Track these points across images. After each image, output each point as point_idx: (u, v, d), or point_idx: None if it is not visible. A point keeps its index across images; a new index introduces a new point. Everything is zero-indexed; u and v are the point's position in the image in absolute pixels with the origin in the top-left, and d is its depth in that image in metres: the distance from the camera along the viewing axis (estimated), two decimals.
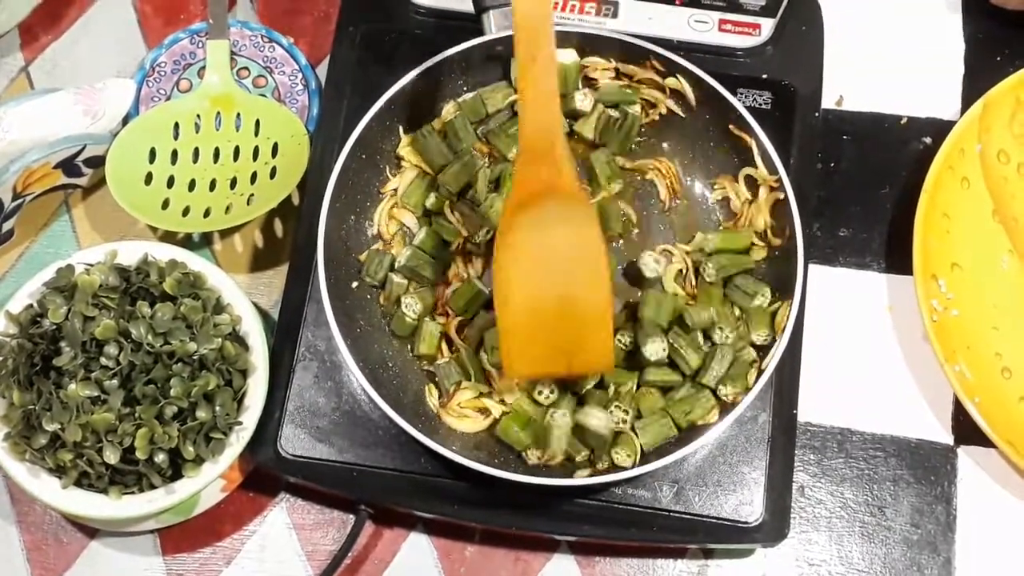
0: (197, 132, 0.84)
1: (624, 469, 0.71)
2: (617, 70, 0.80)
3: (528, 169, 0.67)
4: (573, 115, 0.80)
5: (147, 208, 0.80)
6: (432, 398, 0.75)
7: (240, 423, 0.72)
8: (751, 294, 0.76)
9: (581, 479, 0.71)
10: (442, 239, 0.78)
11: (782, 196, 0.75)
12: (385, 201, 0.79)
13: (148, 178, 0.82)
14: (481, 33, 0.79)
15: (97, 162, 0.82)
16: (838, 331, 0.81)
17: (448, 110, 0.81)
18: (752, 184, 0.78)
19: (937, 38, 0.89)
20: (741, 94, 0.80)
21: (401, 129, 0.80)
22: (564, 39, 0.79)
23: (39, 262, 0.75)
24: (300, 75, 0.87)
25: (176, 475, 0.71)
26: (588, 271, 0.66)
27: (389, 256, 0.78)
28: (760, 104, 0.81)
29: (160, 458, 0.70)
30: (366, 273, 0.77)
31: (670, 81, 0.79)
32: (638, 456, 0.72)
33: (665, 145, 0.81)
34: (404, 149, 0.80)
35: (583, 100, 0.80)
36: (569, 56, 0.79)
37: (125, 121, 0.84)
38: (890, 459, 0.79)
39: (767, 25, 0.84)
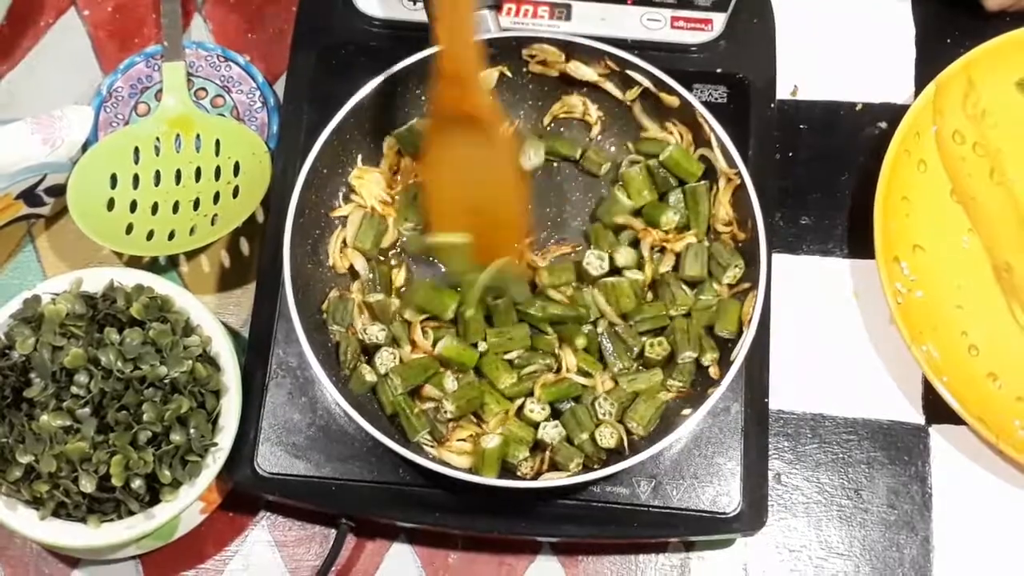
0: (157, 155, 0.84)
1: (611, 450, 0.73)
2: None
3: (444, 91, 0.72)
4: None
5: (111, 234, 0.80)
6: (424, 437, 0.75)
7: (215, 444, 0.72)
8: (724, 265, 0.76)
9: (558, 479, 0.71)
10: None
11: (739, 183, 0.76)
12: (337, 231, 0.79)
13: (111, 204, 0.82)
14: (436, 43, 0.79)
15: (58, 191, 0.82)
16: (805, 318, 0.82)
17: (388, 145, 0.81)
18: (712, 173, 0.79)
19: (887, 23, 0.90)
20: (696, 89, 0.81)
21: (360, 158, 0.80)
22: (518, 44, 0.80)
23: (5, 294, 0.75)
24: (258, 93, 0.87)
25: (154, 500, 0.71)
26: (497, 183, 0.73)
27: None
28: (716, 98, 0.82)
29: (137, 484, 0.70)
30: (331, 320, 0.77)
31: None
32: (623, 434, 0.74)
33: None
34: (357, 179, 0.80)
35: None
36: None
37: (85, 148, 0.84)
38: (863, 442, 0.79)
39: (719, 20, 0.84)
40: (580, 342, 0.76)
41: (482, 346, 0.76)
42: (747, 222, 0.76)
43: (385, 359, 0.75)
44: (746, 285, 0.76)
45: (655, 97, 0.79)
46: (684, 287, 0.77)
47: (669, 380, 0.75)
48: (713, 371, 0.75)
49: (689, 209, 0.79)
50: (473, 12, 0.71)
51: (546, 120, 0.83)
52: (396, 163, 0.81)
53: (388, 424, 0.74)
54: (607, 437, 0.74)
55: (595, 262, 0.78)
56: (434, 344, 0.76)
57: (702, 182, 0.79)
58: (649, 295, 0.78)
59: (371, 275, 0.78)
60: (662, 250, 0.79)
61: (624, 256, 0.78)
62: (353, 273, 0.79)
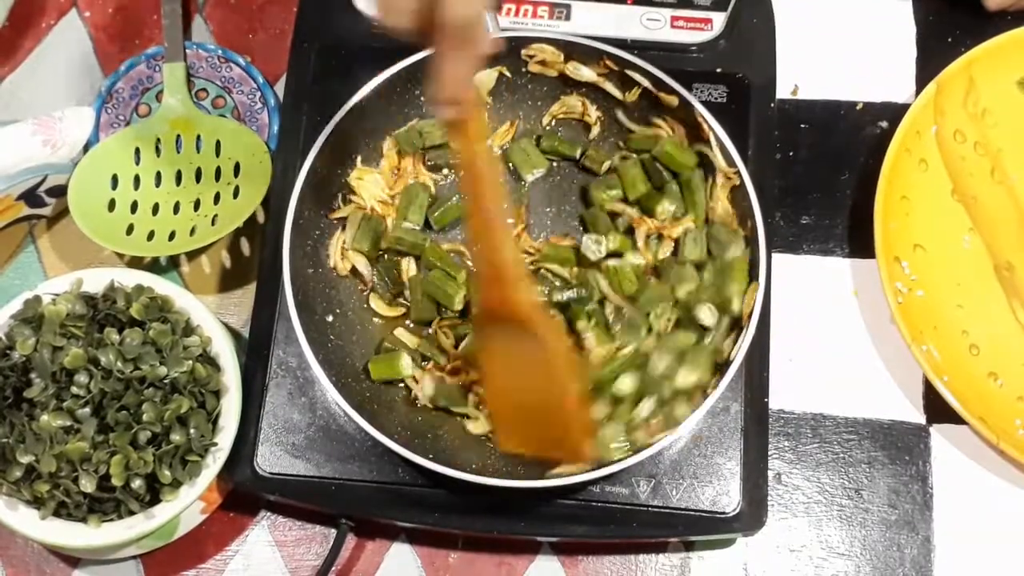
0: (158, 156, 0.85)
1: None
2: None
3: (486, 291, 0.69)
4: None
5: (111, 235, 0.80)
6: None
7: (215, 444, 0.72)
8: (725, 243, 0.76)
9: (559, 479, 0.71)
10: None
11: (738, 183, 0.76)
12: (337, 234, 0.79)
13: (111, 204, 0.82)
14: None
15: (59, 192, 0.82)
16: (806, 317, 0.82)
17: (388, 145, 0.81)
18: (708, 167, 0.79)
19: (888, 22, 0.90)
20: (696, 89, 0.81)
21: (359, 159, 0.80)
22: (517, 44, 0.80)
23: (7, 294, 0.75)
24: (259, 93, 0.88)
25: (154, 500, 0.71)
26: (553, 380, 0.69)
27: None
28: (715, 98, 0.82)
29: (137, 484, 0.70)
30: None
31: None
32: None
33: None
34: (356, 180, 0.80)
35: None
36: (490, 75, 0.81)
37: (86, 149, 0.84)
38: (864, 441, 0.79)
39: (719, 19, 0.84)
40: (584, 323, 0.76)
41: None
42: (747, 222, 0.76)
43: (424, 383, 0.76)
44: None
45: (655, 97, 0.79)
46: (688, 267, 0.77)
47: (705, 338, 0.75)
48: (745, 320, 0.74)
49: (685, 199, 0.79)
50: (509, 228, 0.71)
51: (545, 120, 0.83)
52: (397, 163, 0.81)
53: (388, 424, 0.74)
54: (688, 374, 0.73)
55: (592, 246, 0.78)
56: (456, 344, 0.77)
57: (697, 172, 0.79)
58: (652, 280, 0.78)
59: (375, 275, 0.78)
60: (659, 238, 0.79)
61: (620, 241, 0.78)
62: (356, 274, 0.79)
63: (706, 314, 0.75)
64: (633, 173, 0.80)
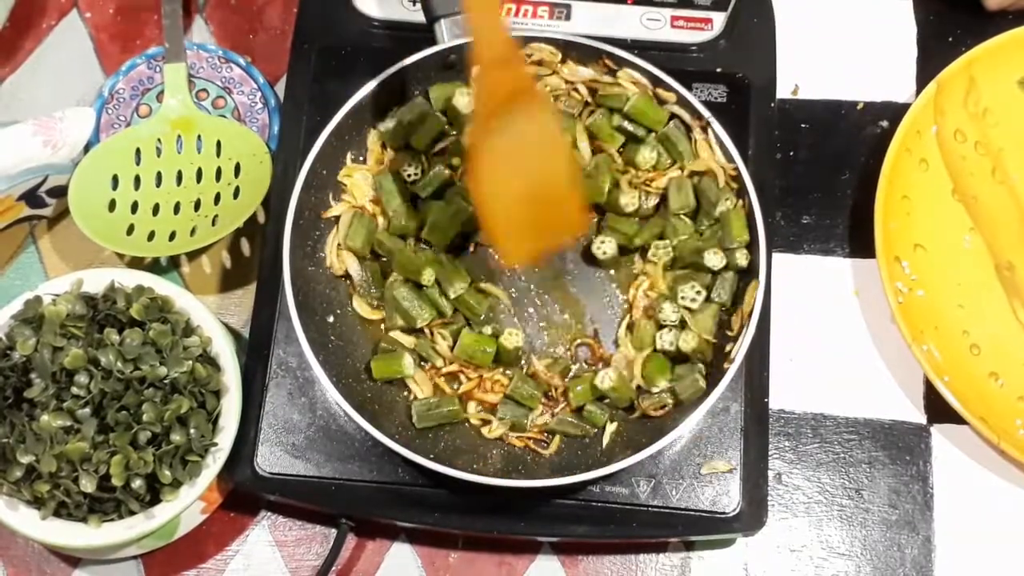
0: (159, 156, 0.85)
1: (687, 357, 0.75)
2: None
3: (488, 77, 0.70)
4: None
5: (112, 235, 0.80)
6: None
7: (215, 444, 0.72)
8: (715, 200, 0.77)
9: (559, 479, 0.71)
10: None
11: (738, 185, 0.76)
12: (332, 233, 0.79)
13: (112, 205, 0.82)
14: (435, 43, 0.79)
15: (60, 192, 0.82)
16: (806, 317, 0.82)
17: (372, 139, 0.81)
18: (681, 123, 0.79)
19: (889, 22, 0.90)
20: (696, 89, 0.81)
21: (349, 156, 0.80)
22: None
23: (8, 294, 0.75)
24: (259, 94, 0.88)
25: (155, 500, 0.71)
26: (554, 153, 0.70)
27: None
28: (716, 98, 0.82)
29: (137, 484, 0.70)
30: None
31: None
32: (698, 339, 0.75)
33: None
34: (346, 177, 0.80)
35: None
36: None
37: (86, 150, 0.84)
38: (864, 441, 0.79)
39: (719, 19, 0.84)
40: None
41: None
42: (747, 222, 0.76)
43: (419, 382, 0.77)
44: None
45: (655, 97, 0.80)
46: (681, 216, 0.77)
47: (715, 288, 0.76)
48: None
49: (668, 150, 0.79)
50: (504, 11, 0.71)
51: None
52: (381, 157, 0.81)
53: (389, 424, 0.74)
54: (689, 341, 0.75)
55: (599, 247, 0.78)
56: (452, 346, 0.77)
57: (671, 125, 0.79)
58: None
59: (364, 276, 0.78)
60: (646, 194, 0.79)
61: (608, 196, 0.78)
62: (348, 277, 0.79)
63: (713, 259, 0.76)
64: (607, 126, 0.79)
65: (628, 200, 0.78)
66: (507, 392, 0.76)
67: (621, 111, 0.79)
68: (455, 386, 0.77)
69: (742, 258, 0.76)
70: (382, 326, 0.78)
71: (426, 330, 0.77)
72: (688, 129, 0.79)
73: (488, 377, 0.77)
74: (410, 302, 0.76)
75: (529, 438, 0.75)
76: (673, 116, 0.79)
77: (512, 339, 0.76)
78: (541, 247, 0.74)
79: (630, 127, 0.79)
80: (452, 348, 0.77)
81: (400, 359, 0.76)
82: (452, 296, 0.77)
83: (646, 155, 0.78)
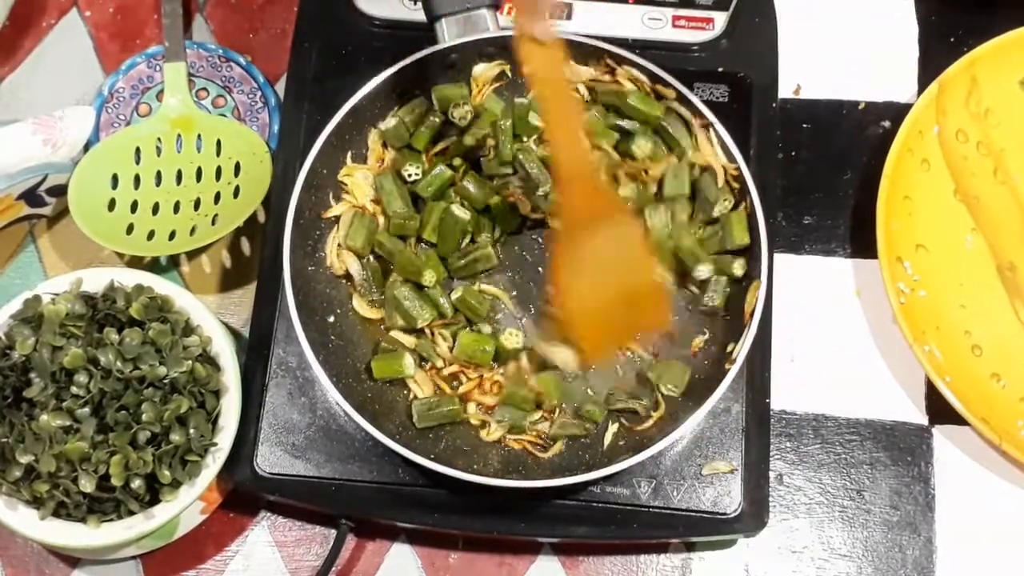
0: (159, 155, 0.84)
1: (675, 398, 0.75)
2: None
3: (569, 197, 0.70)
4: None
5: (111, 234, 0.80)
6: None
7: (215, 444, 0.72)
8: (713, 200, 0.77)
9: (559, 480, 0.71)
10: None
11: (739, 185, 0.76)
12: (332, 232, 0.79)
13: (111, 204, 0.82)
14: (435, 42, 0.79)
15: (60, 191, 0.82)
16: (807, 318, 0.82)
17: (373, 139, 0.80)
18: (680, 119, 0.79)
19: (890, 21, 0.90)
20: (698, 88, 0.81)
21: (349, 155, 0.80)
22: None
23: (7, 294, 0.75)
24: (259, 93, 0.87)
25: (154, 500, 0.71)
26: (637, 260, 0.71)
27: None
28: (717, 98, 0.81)
29: (136, 484, 0.70)
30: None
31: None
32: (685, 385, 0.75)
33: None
34: (346, 177, 0.80)
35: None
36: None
37: (86, 148, 0.84)
38: (866, 442, 0.79)
39: (720, 19, 0.84)
40: None
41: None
42: (749, 222, 0.76)
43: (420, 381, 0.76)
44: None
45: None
46: (667, 204, 0.77)
47: (701, 301, 0.77)
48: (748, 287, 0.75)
49: (665, 140, 0.79)
50: (583, 117, 0.73)
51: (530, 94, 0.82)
52: (382, 157, 0.81)
53: (389, 424, 0.74)
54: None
55: None
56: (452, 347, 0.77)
57: (670, 118, 0.79)
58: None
59: (365, 276, 0.78)
60: (643, 184, 0.79)
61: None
62: (349, 277, 0.79)
63: (702, 270, 0.76)
64: (600, 125, 0.79)
65: (627, 192, 0.78)
66: (501, 399, 0.75)
67: (617, 108, 0.79)
68: (455, 385, 0.77)
69: (738, 267, 0.76)
70: (382, 326, 0.78)
71: (426, 330, 0.77)
72: (687, 123, 0.79)
73: (488, 377, 0.76)
74: (411, 302, 0.76)
75: (528, 441, 0.75)
76: (671, 111, 0.79)
77: (512, 339, 0.76)
78: (621, 344, 0.76)
79: (626, 124, 0.79)
80: (452, 349, 0.77)
81: (401, 359, 0.76)
82: (454, 296, 0.77)
83: (642, 144, 0.78)
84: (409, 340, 0.77)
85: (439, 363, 0.77)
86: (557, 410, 0.76)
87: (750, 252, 0.76)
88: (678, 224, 0.77)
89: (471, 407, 0.76)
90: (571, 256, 0.70)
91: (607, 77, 0.80)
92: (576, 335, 0.71)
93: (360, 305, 0.78)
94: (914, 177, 0.82)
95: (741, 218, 0.76)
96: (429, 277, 0.76)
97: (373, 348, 0.77)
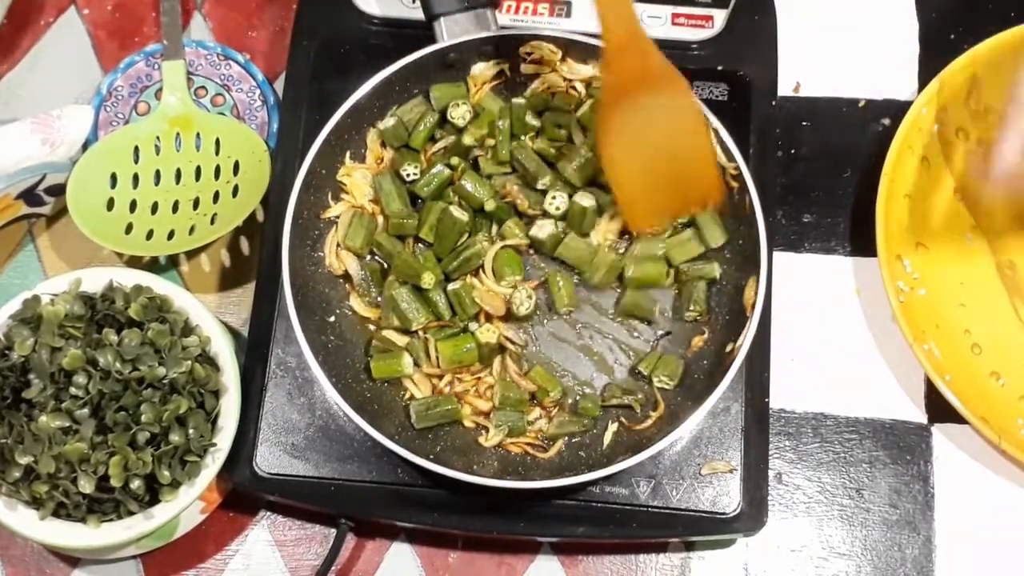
0: (157, 154, 0.84)
1: (666, 390, 0.75)
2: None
3: (615, 62, 0.70)
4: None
5: (110, 234, 0.80)
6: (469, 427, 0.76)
7: (214, 444, 0.72)
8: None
9: (559, 480, 0.71)
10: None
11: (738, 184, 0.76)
12: (332, 232, 0.79)
13: (110, 203, 0.82)
14: (433, 41, 0.79)
15: (58, 190, 0.82)
16: (807, 316, 0.82)
17: (371, 138, 0.80)
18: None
19: (891, 19, 0.90)
20: (697, 87, 0.81)
21: (348, 154, 0.80)
22: (516, 42, 0.80)
23: (6, 293, 0.75)
24: (258, 91, 0.87)
25: (154, 500, 0.71)
26: (687, 127, 0.71)
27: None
28: (717, 96, 0.81)
29: (136, 484, 0.70)
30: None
31: None
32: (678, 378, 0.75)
33: None
34: (345, 176, 0.79)
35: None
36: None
37: (84, 147, 0.84)
38: (865, 441, 0.79)
39: (719, 16, 0.84)
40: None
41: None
42: (748, 220, 0.75)
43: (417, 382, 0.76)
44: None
45: None
46: None
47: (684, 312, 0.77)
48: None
49: None
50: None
51: (527, 93, 0.82)
52: (380, 156, 0.81)
53: (388, 424, 0.74)
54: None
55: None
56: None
57: None
58: None
59: (364, 275, 0.78)
60: None
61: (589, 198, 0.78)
62: (347, 277, 0.79)
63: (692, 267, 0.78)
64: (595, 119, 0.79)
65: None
66: (495, 404, 0.75)
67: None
68: (451, 384, 0.77)
69: (714, 270, 0.76)
70: (372, 326, 0.78)
71: (420, 332, 0.77)
72: None
73: (484, 380, 0.76)
74: (408, 303, 0.76)
75: (527, 443, 0.75)
76: None
77: (487, 334, 0.76)
78: (672, 214, 0.76)
79: None
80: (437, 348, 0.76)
81: (400, 358, 0.76)
82: (450, 288, 0.77)
83: None
84: (401, 340, 0.77)
85: (428, 367, 0.76)
86: (557, 406, 0.76)
87: (750, 252, 0.76)
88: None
89: (467, 409, 0.76)
90: (619, 121, 0.70)
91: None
92: (625, 201, 0.72)
93: (358, 304, 0.78)
94: (914, 175, 0.82)
95: (715, 219, 0.77)
96: (428, 279, 0.76)
97: (365, 347, 0.77)
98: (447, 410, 0.75)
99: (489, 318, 0.77)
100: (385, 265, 0.79)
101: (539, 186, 0.78)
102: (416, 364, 0.76)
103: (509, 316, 0.77)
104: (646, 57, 0.70)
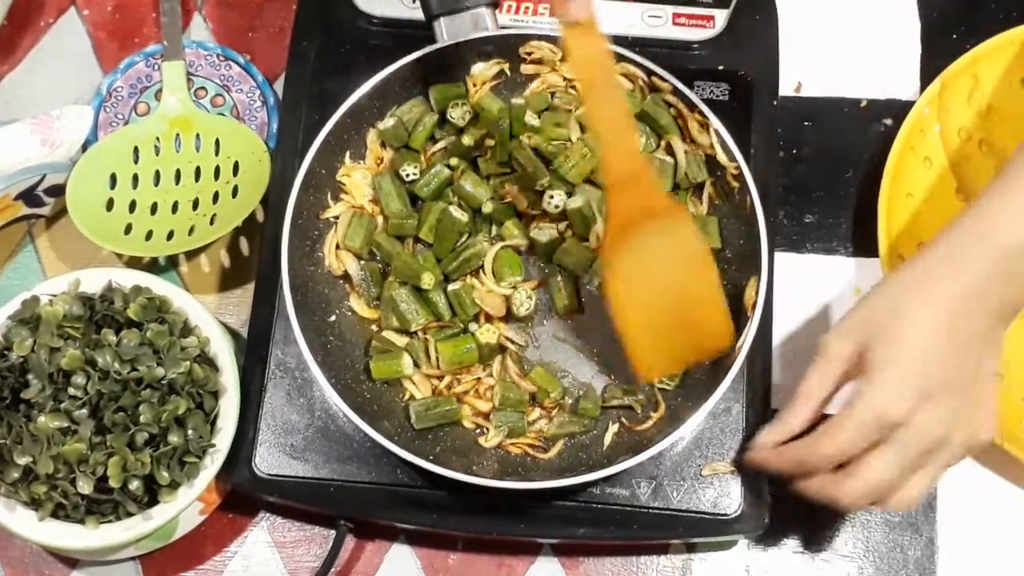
0: (157, 155, 0.84)
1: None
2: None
3: (619, 198, 0.69)
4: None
5: (110, 234, 0.80)
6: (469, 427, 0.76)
7: (213, 445, 0.72)
8: (692, 180, 0.78)
9: (559, 481, 0.71)
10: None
11: (739, 184, 0.76)
12: (331, 233, 0.79)
13: (110, 204, 0.82)
14: (433, 41, 0.79)
15: (58, 191, 0.82)
16: (809, 317, 0.81)
17: (371, 138, 0.80)
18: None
19: (892, 19, 0.90)
20: (698, 87, 0.81)
21: (348, 154, 0.79)
22: (515, 42, 0.80)
23: (6, 294, 0.75)
24: (258, 92, 0.87)
25: (152, 501, 0.71)
26: (694, 268, 0.70)
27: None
28: (718, 96, 0.81)
29: (134, 485, 0.69)
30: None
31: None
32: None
33: None
34: (345, 177, 0.79)
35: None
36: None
37: (84, 148, 0.84)
38: None
39: (720, 16, 0.84)
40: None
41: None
42: (749, 220, 0.75)
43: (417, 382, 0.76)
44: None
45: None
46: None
47: None
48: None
49: (650, 126, 0.79)
50: (631, 114, 0.71)
51: (527, 93, 0.82)
52: (380, 156, 0.80)
53: (388, 425, 0.74)
54: None
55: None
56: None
57: (649, 99, 0.79)
58: None
59: (363, 275, 0.78)
60: None
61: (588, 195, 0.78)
62: (347, 277, 0.78)
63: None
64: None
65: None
66: (495, 404, 0.75)
67: None
68: (451, 385, 0.76)
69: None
70: (374, 326, 0.78)
71: (420, 333, 0.77)
72: (669, 105, 0.78)
73: (484, 381, 0.76)
74: (407, 304, 0.76)
75: (527, 444, 0.75)
76: (654, 89, 0.79)
77: (487, 334, 0.76)
78: (682, 363, 0.73)
79: None
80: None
81: (400, 359, 0.75)
82: (450, 288, 0.76)
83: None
84: (401, 340, 0.77)
85: (428, 368, 0.76)
86: (557, 407, 0.75)
87: (751, 252, 0.75)
88: None
89: (467, 410, 0.75)
90: (624, 259, 0.68)
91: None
92: (634, 348, 0.70)
93: (357, 304, 0.78)
94: (916, 175, 0.82)
95: (713, 221, 0.77)
96: (428, 280, 0.76)
97: (365, 347, 0.77)
98: (447, 410, 0.75)
99: (489, 319, 0.77)
100: (385, 266, 0.78)
101: (537, 187, 0.78)
102: (416, 365, 0.76)
103: (509, 316, 0.77)
104: (648, 186, 0.68)
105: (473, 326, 0.76)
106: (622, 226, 0.68)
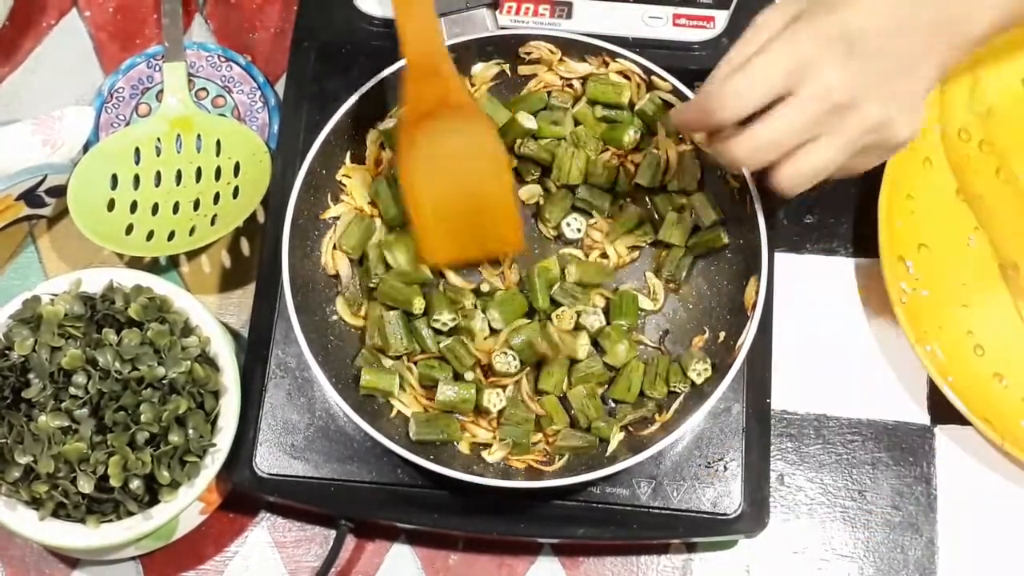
0: (158, 156, 0.84)
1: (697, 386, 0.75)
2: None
3: (416, 87, 0.70)
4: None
5: (111, 235, 0.80)
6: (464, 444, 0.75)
7: (214, 445, 0.72)
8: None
9: (559, 480, 0.71)
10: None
11: (739, 184, 0.76)
12: (329, 233, 0.78)
13: (111, 204, 0.82)
14: None
15: (59, 192, 0.82)
16: (809, 317, 0.82)
17: (371, 139, 0.80)
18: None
19: None
20: (698, 88, 0.80)
21: (348, 155, 0.79)
22: (515, 42, 0.80)
23: (7, 294, 0.75)
24: (259, 93, 0.87)
25: (153, 500, 0.71)
26: (487, 169, 0.71)
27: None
28: None
29: (135, 484, 0.69)
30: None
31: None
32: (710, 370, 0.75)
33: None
34: (345, 177, 0.79)
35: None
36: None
37: (86, 149, 0.84)
38: (867, 442, 0.79)
39: (721, 17, 0.84)
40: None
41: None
42: (749, 220, 0.75)
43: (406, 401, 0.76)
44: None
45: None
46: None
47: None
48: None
49: (646, 124, 0.79)
50: (436, 17, 0.72)
51: (523, 93, 0.82)
52: (379, 156, 0.80)
53: (388, 425, 0.74)
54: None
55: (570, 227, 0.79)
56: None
57: (647, 98, 0.79)
58: None
59: (352, 279, 0.78)
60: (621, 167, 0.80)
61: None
62: (339, 278, 0.78)
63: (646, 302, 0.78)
64: (591, 117, 0.80)
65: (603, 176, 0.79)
66: (501, 420, 0.74)
67: (602, 103, 0.80)
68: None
69: (721, 237, 0.77)
70: (366, 337, 0.77)
71: (404, 359, 0.76)
72: (668, 105, 0.79)
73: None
74: (392, 326, 0.75)
75: (532, 460, 0.74)
76: (651, 88, 0.79)
77: (493, 399, 0.74)
78: (467, 255, 0.74)
79: (612, 114, 0.80)
80: (420, 382, 0.76)
81: (392, 377, 0.74)
82: (442, 344, 0.75)
83: (631, 135, 0.79)
84: (386, 361, 0.76)
85: (412, 392, 0.75)
86: (557, 435, 0.75)
87: (751, 252, 0.75)
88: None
89: (466, 435, 0.75)
90: (418, 144, 0.69)
91: (601, 71, 0.80)
92: (420, 229, 0.71)
93: (343, 309, 0.77)
94: (916, 176, 0.82)
95: (707, 196, 0.77)
96: (419, 305, 0.75)
97: (354, 355, 0.76)
98: (444, 426, 0.74)
99: (486, 372, 0.76)
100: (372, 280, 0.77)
101: (523, 197, 0.78)
102: (402, 387, 0.75)
103: (490, 372, 0.76)
104: (447, 81, 0.69)
105: (469, 375, 0.75)
106: (420, 112, 0.70)
